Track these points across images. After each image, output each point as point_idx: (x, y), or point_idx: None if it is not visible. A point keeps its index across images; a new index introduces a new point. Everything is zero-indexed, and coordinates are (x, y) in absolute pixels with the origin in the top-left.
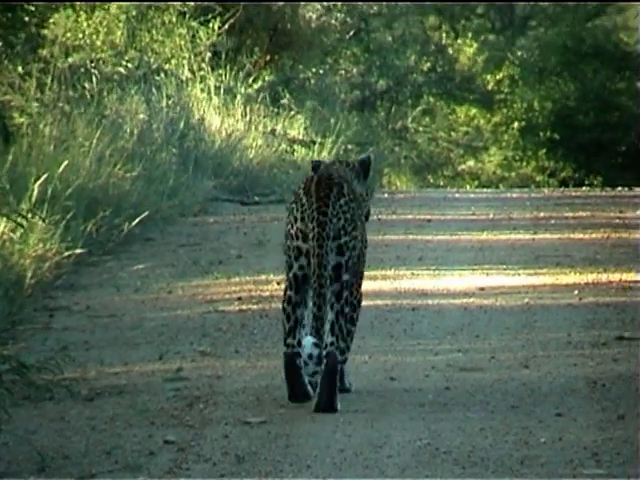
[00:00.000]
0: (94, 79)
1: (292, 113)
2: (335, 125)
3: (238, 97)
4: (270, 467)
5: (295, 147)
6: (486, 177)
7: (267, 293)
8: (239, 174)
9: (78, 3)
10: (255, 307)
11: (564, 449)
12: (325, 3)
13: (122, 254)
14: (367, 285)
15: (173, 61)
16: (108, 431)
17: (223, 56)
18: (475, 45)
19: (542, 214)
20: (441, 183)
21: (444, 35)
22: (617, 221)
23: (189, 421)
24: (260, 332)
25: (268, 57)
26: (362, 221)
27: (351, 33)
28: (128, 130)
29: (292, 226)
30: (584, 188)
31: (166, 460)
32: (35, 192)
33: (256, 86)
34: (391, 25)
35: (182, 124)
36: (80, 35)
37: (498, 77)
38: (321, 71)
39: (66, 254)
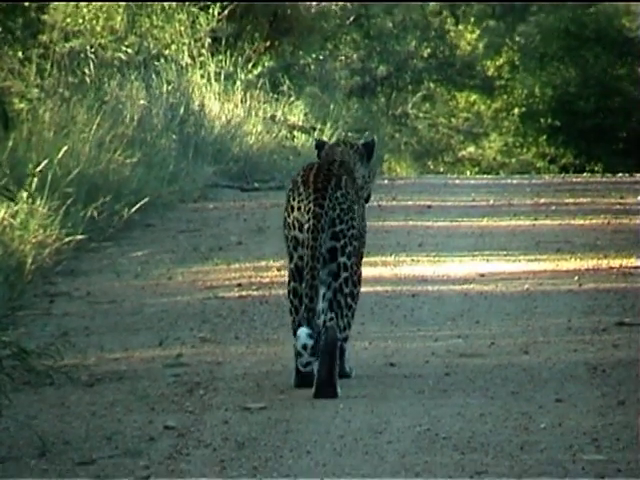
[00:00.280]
0: (93, 65)
1: (292, 99)
2: (335, 111)
3: (238, 83)
4: (270, 453)
5: (295, 133)
6: (486, 163)
7: (267, 279)
8: (239, 160)
9: None
10: (255, 293)
11: (564, 434)
12: None
13: (122, 240)
14: (367, 271)
15: (173, 47)
16: (108, 417)
17: (223, 42)
18: (477, 31)
19: (542, 200)
20: (441, 169)
21: (446, 21)
22: (618, 207)
23: (189, 407)
24: (260, 318)
25: (268, 43)
26: (362, 205)
27: (351, 19)
28: (128, 116)
29: (289, 215)
30: (585, 174)
31: (166, 446)
32: (35, 178)
33: (256, 72)
34: (391, 11)
35: (182, 110)
36: (80, 20)
37: (498, 63)
38: (321, 57)
39: (66, 240)
